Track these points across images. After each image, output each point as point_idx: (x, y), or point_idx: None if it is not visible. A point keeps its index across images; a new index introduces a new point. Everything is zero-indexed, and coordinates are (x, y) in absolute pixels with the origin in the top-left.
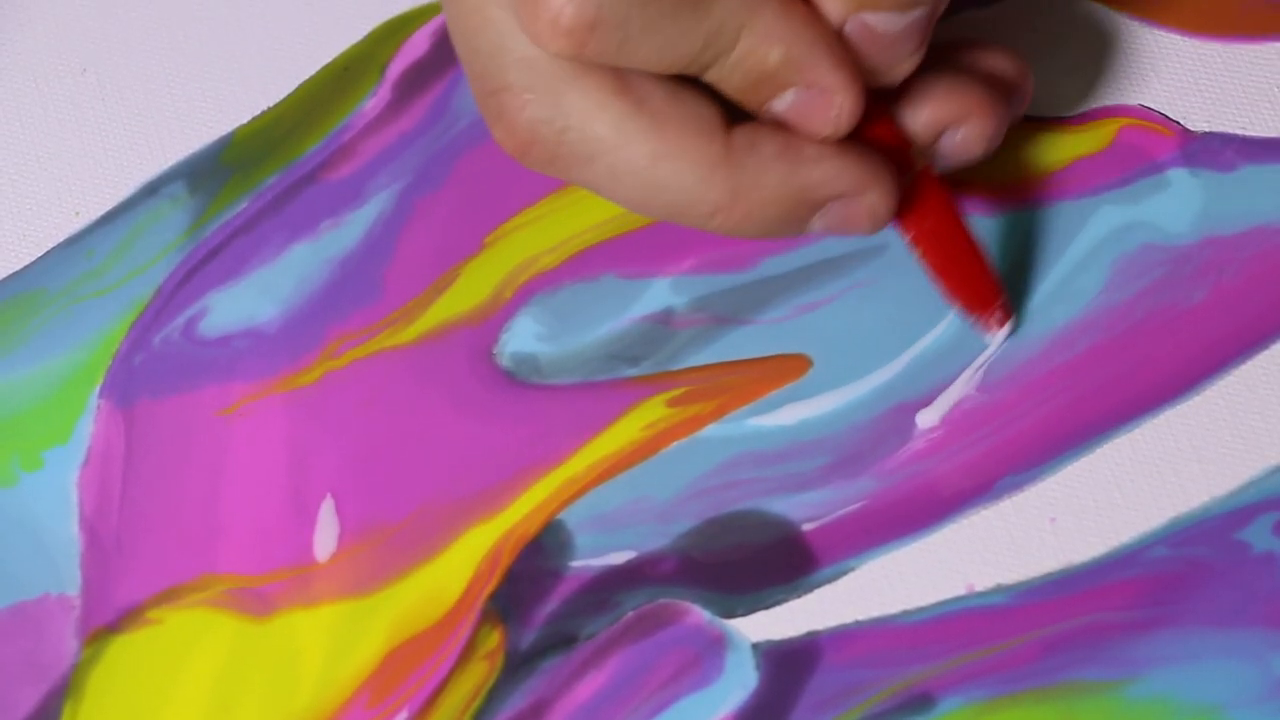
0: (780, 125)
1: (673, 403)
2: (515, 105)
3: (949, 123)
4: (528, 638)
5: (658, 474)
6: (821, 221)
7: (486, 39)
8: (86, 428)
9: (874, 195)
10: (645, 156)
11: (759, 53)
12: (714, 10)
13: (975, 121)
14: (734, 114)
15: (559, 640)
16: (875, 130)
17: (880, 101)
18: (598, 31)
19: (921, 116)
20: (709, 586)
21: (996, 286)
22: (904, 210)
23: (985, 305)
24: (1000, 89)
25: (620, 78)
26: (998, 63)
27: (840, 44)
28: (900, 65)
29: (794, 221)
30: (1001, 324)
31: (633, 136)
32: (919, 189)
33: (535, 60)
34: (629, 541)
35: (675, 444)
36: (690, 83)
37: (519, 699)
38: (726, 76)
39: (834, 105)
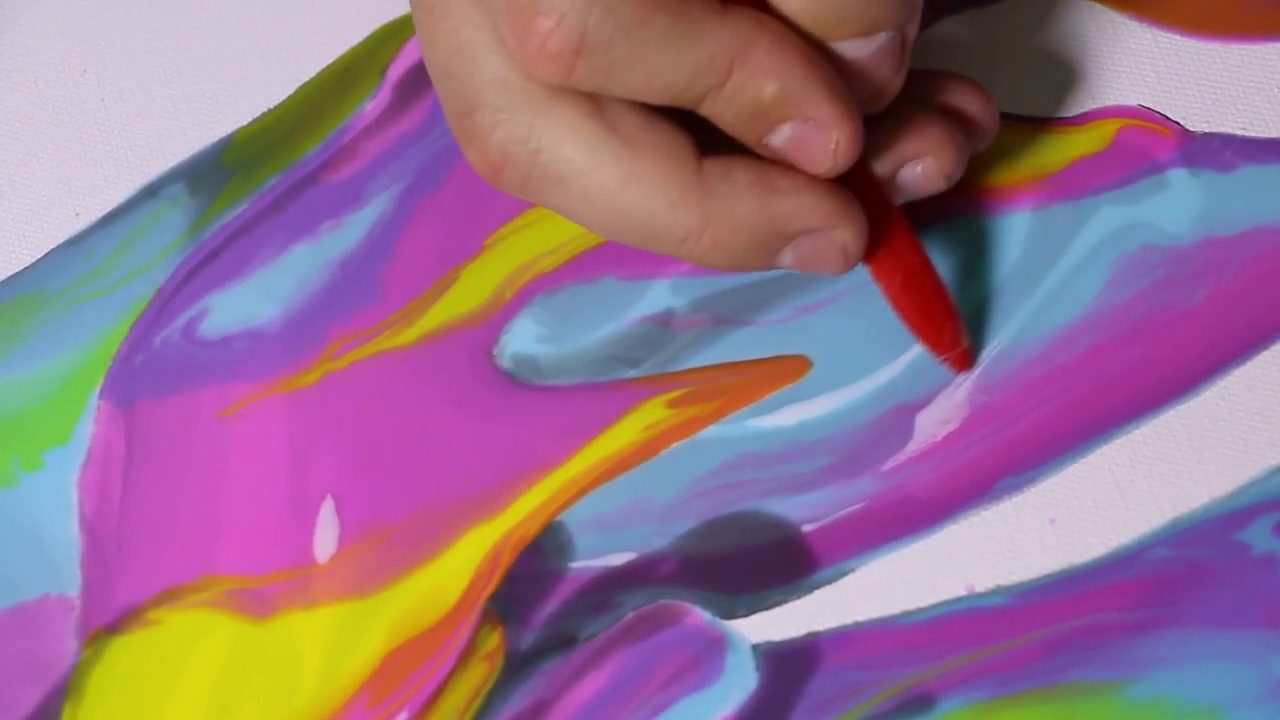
0: (756, 158)
1: (673, 404)
2: (488, 127)
3: (909, 157)
4: (528, 638)
5: (658, 475)
6: (792, 255)
7: (460, 61)
8: (87, 428)
9: (845, 231)
10: (617, 180)
11: (753, 86)
12: (704, 41)
13: (935, 157)
14: (718, 145)
15: (559, 641)
16: None
17: None
18: (584, 58)
19: (882, 150)
20: (709, 587)
21: (959, 329)
22: (870, 248)
23: (949, 347)
24: (961, 124)
25: (594, 102)
26: (961, 97)
27: (837, 77)
28: (881, 90)
29: (764, 252)
30: (965, 366)
31: (605, 160)
32: (885, 227)
33: (508, 82)
34: (629, 542)
35: (675, 445)
36: (665, 111)
37: (519, 700)
38: (721, 110)
39: (831, 139)
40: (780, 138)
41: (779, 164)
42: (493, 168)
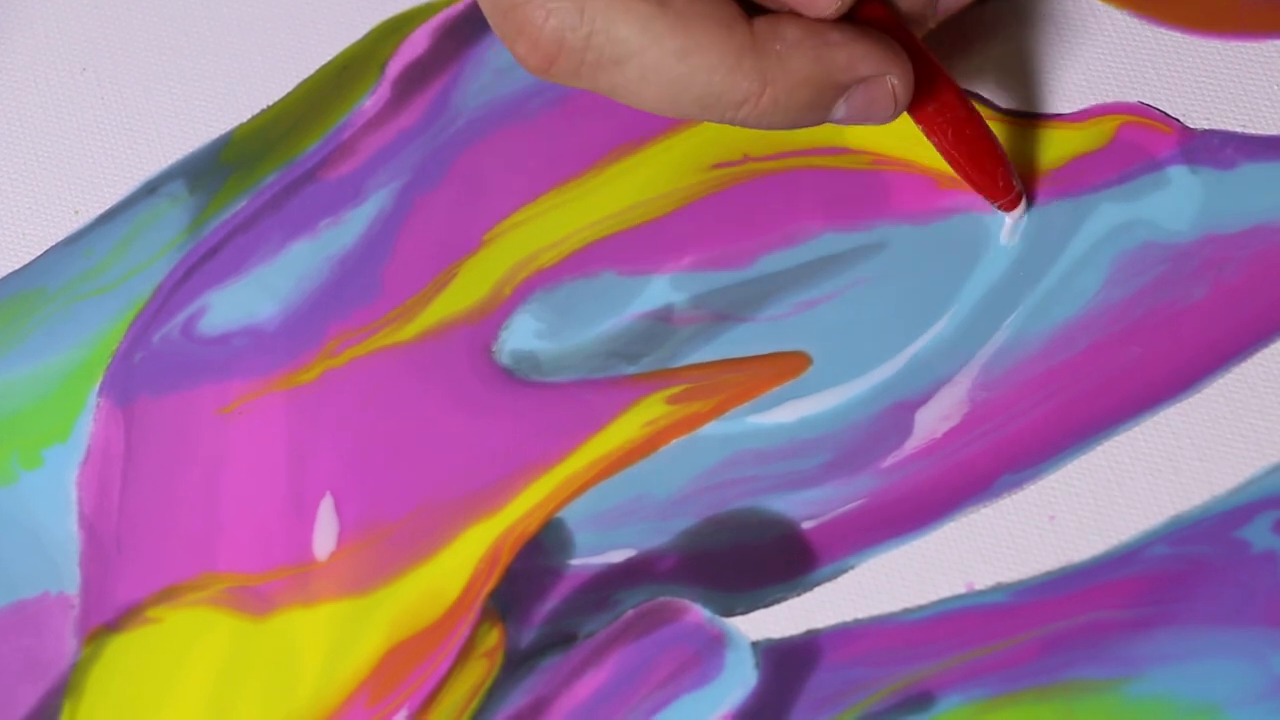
0: (801, 16)
1: (672, 400)
2: (539, 16)
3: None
4: (527, 636)
5: (657, 472)
6: (845, 106)
7: None
8: (86, 426)
9: (895, 77)
10: (674, 53)
11: None
12: None
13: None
14: (750, 9)
15: (558, 638)
16: (873, 14)
17: None
18: None
19: None
20: (708, 584)
21: (1010, 172)
22: (919, 104)
23: (1002, 192)
24: None
25: None
26: None
27: None
28: None
29: (820, 107)
30: (1016, 204)
31: (660, 35)
32: (931, 82)
33: None
34: (628, 539)
35: (675, 442)
36: None
37: (518, 697)
38: None
39: None
40: None
41: (823, 20)
42: (546, 58)
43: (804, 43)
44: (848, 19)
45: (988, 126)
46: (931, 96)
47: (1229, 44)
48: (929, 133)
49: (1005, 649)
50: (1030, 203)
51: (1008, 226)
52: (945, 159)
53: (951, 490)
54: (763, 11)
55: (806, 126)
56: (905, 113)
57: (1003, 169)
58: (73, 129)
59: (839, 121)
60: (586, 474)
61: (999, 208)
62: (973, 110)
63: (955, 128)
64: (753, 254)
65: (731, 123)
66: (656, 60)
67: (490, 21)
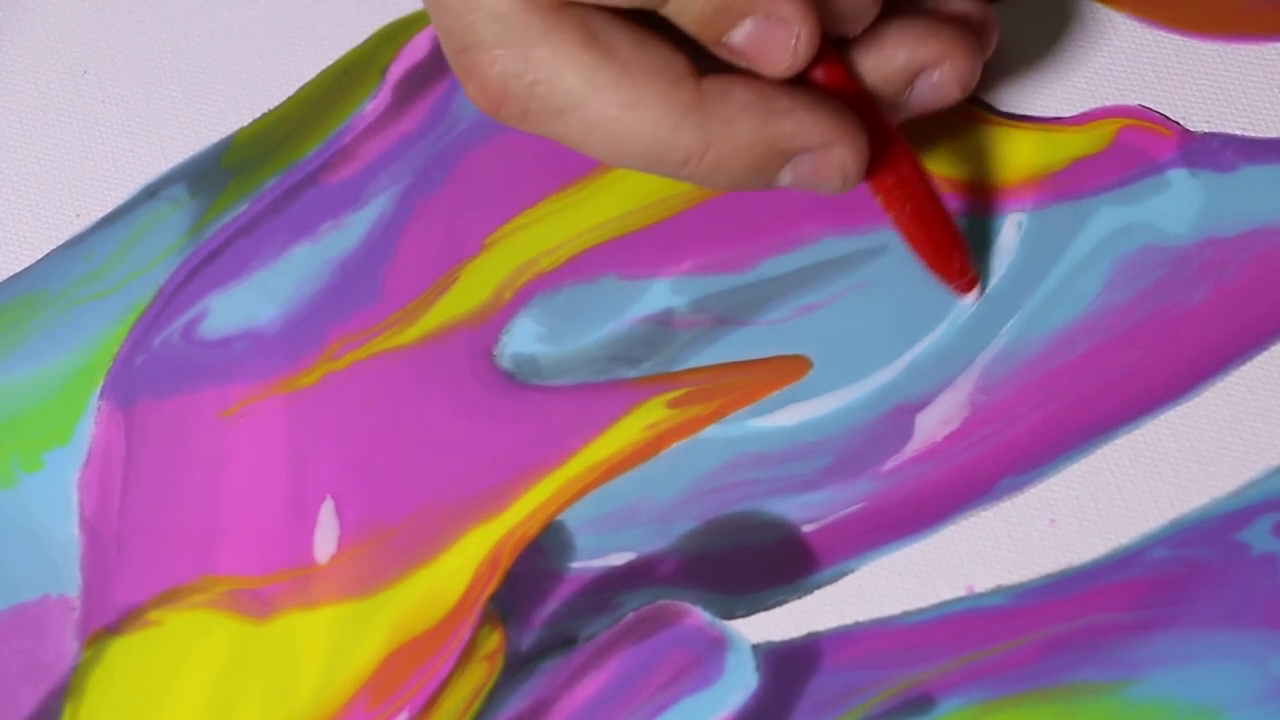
0: (754, 77)
1: (673, 404)
2: (486, 61)
3: (926, 65)
4: (528, 639)
5: (658, 475)
6: (792, 174)
7: None
8: (87, 429)
9: (844, 150)
10: (616, 106)
11: None
12: None
13: (952, 63)
14: (703, 67)
15: (559, 641)
16: (840, 85)
17: (844, 57)
18: None
19: (899, 59)
20: (709, 587)
21: (965, 255)
22: (872, 168)
23: (956, 274)
24: (970, 31)
25: (588, 29)
26: (962, 5)
27: None
28: (861, 6)
29: (764, 172)
30: (970, 288)
31: (603, 87)
32: (891, 154)
33: (505, 16)
34: (629, 542)
35: (675, 445)
36: (657, 33)
37: (519, 700)
38: (685, 7)
39: (792, 34)
40: (741, 34)
41: (777, 83)
42: (493, 102)
43: (752, 107)
44: (806, 85)
45: (945, 207)
46: (890, 170)
47: (1229, 47)
48: (886, 206)
49: (1005, 652)
50: (984, 289)
51: (963, 304)
52: (902, 234)
53: (952, 493)
54: (716, 67)
55: (753, 190)
56: (863, 183)
57: (959, 251)
58: (74, 132)
59: (788, 186)
60: (587, 477)
61: (953, 289)
62: (932, 188)
63: (914, 204)
64: (753, 258)
65: (676, 179)
66: (599, 112)
67: (448, 60)
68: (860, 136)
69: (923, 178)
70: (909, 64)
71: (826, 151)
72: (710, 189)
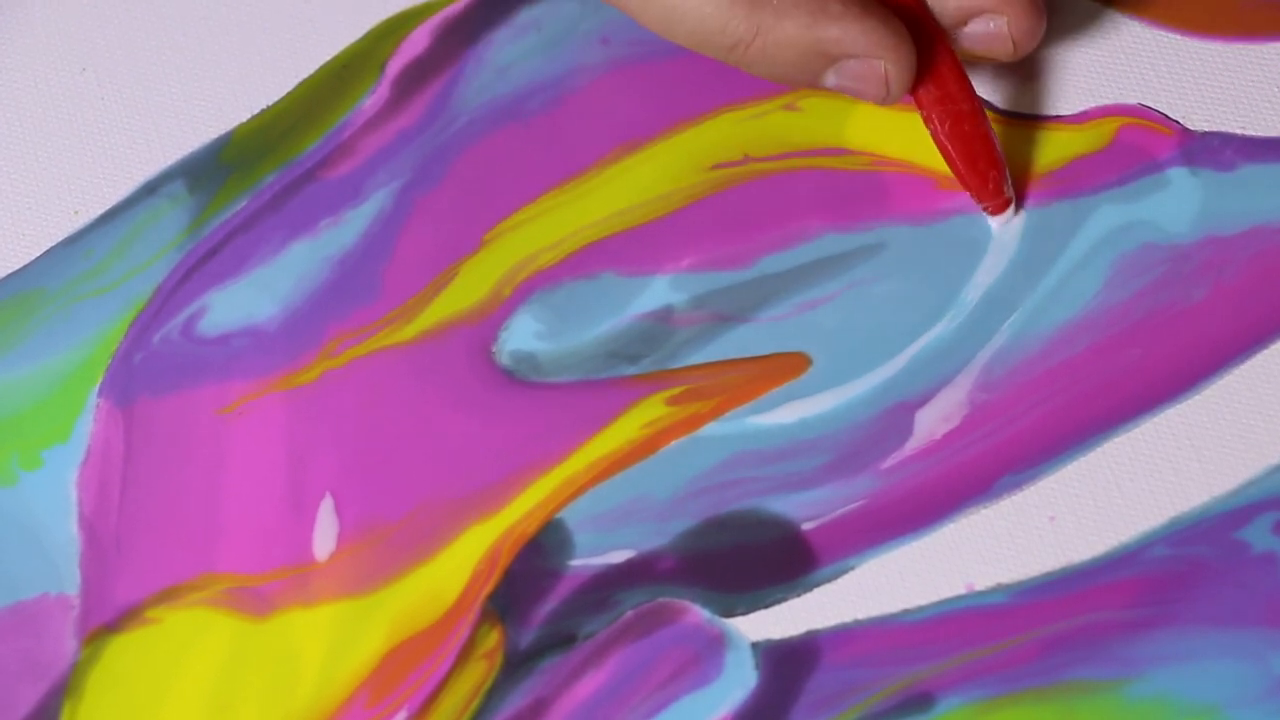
0: None
1: (672, 401)
2: None
3: (985, 9)
4: (527, 637)
5: (657, 473)
6: (835, 77)
7: None
8: (86, 427)
9: (890, 64)
10: None
11: None
12: None
13: (1012, 17)
14: None
15: (558, 639)
16: None
17: None
18: None
19: None
20: (708, 585)
21: (1003, 177)
22: (922, 88)
23: (991, 195)
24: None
25: None
26: None
27: None
28: None
29: (808, 70)
30: (1003, 209)
31: None
32: (939, 69)
33: None
34: (628, 540)
35: (674, 442)
36: None
37: (518, 698)
38: None
39: None
40: None
41: None
42: None
43: (803, 5)
44: None
45: (989, 127)
46: (935, 84)
47: (1229, 46)
48: (926, 119)
49: (1005, 650)
50: (1019, 208)
51: (994, 226)
52: (939, 150)
53: (951, 491)
54: None
55: (797, 87)
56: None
57: (995, 172)
58: (72, 129)
59: (831, 89)
60: (586, 475)
61: (986, 210)
62: (977, 107)
63: (953, 121)
64: (753, 255)
65: (725, 61)
66: None
67: None
68: (907, 53)
69: (968, 95)
70: (969, 3)
71: (871, 61)
72: (757, 76)
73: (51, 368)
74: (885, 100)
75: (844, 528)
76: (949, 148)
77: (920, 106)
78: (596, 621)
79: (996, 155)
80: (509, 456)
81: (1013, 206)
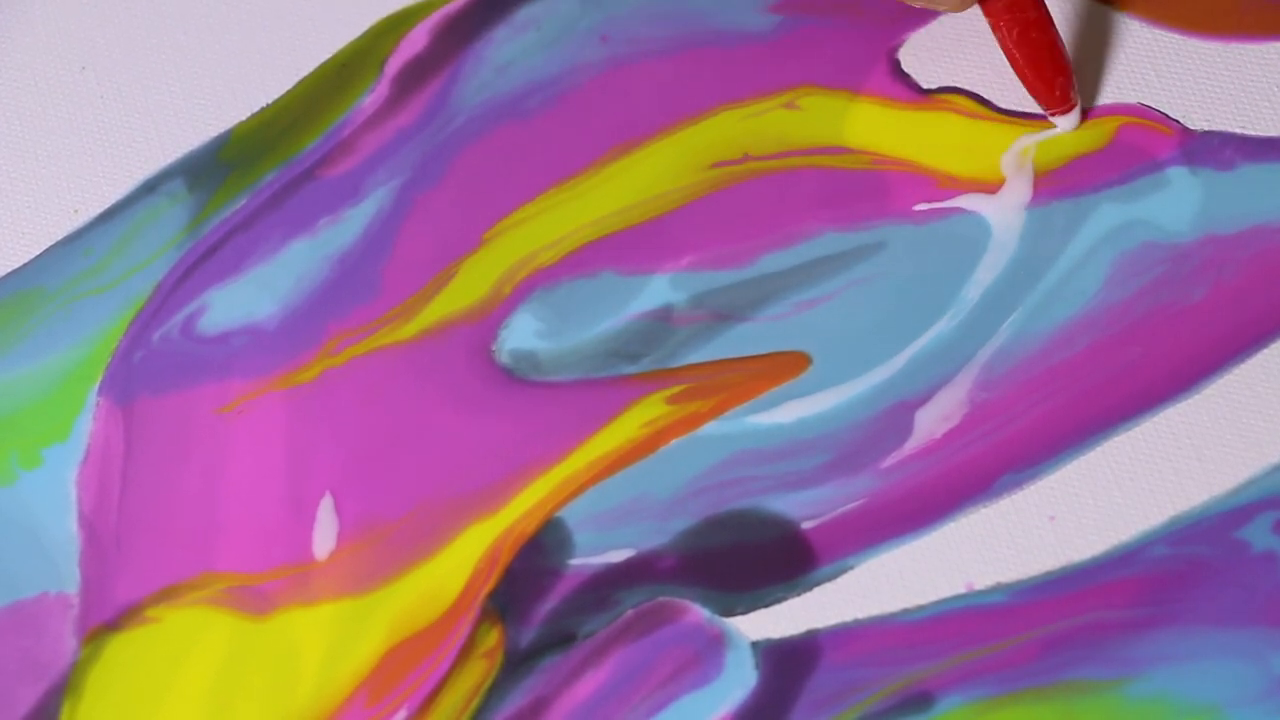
0: None
1: (672, 400)
2: None
3: None
4: (527, 636)
5: (657, 472)
6: None
7: None
8: (85, 425)
9: None
10: None
11: None
12: None
13: None
14: None
15: (558, 638)
16: None
17: None
18: None
19: None
20: (708, 584)
21: (1070, 84)
22: None
23: (1058, 102)
24: None
25: None
26: None
27: None
28: None
29: None
30: (1068, 113)
31: None
32: None
33: None
34: (628, 539)
35: (674, 441)
36: None
37: (518, 697)
38: None
39: None
40: None
41: None
42: None
43: None
44: None
45: (1057, 34)
46: None
47: (1229, 46)
48: (994, 28)
49: (1005, 649)
50: (1084, 115)
51: (1062, 126)
52: (1007, 58)
53: (951, 490)
54: None
55: None
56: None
57: (1063, 79)
58: (72, 128)
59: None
60: (586, 474)
61: (1049, 113)
62: (1045, 15)
63: (1021, 29)
64: (752, 253)
65: None
66: None
67: None
68: None
69: (1035, 4)
70: None
71: None
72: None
73: (51, 366)
74: (960, 6)
75: (844, 527)
76: (1016, 55)
77: (989, 15)
78: (596, 620)
79: (1064, 63)
80: (509, 455)
81: (1078, 110)
